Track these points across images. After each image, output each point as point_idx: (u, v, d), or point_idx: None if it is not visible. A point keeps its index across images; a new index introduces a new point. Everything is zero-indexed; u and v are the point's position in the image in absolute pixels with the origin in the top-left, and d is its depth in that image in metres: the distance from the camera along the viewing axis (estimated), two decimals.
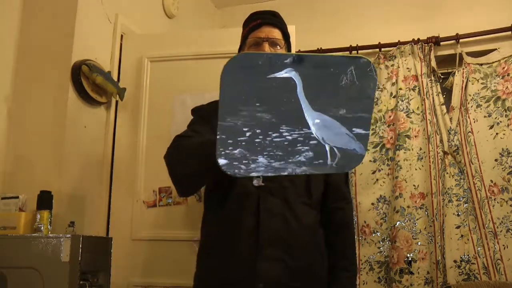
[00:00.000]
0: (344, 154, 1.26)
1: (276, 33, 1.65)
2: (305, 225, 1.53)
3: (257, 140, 1.24)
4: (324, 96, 1.24)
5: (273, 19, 1.67)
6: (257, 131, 1.24)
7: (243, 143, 1.23)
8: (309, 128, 1.24)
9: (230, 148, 1.23)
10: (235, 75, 1.23)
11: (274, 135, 1.25)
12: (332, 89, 1.23)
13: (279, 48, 1.64)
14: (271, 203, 1.51)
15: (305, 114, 1.24)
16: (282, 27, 1.68)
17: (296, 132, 1.25)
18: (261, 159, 1.26)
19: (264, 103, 1.25)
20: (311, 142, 1.25)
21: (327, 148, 1.26)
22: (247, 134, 1.24)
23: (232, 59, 1.20)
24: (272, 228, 1.49)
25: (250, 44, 1.65)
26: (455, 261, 2.40)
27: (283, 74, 1.23)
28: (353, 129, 1.25)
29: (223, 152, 1.24)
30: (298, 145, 1.25)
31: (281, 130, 1.24)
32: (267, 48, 1.60)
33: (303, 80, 1.23)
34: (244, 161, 1.26)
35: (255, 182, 1.51)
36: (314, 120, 1.25)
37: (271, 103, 1.25)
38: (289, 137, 1.25)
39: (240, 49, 1.71)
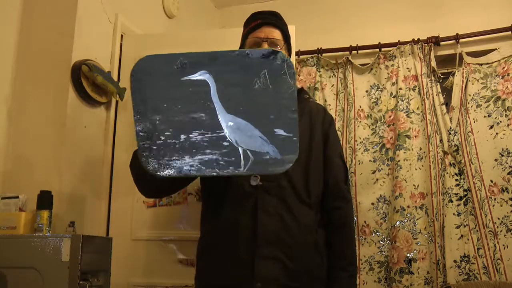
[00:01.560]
0: (257, 157, 1.27)
1: (276, 34, 1.65)
2: (303, 225, 1.53)
3: (169, 142, 1.28)
4: (238, 98, 1.26)
5: (273, 19, 1.68)
6: (168, 134, 1.28)
7: (155, 148, 1.28)
8: (222, 130, 1.26)
9: (147, 152, 1.28)
10: (144, 79, 1.27)
11: (184, 137, 1.27)
12: (245, 92, 1.25)
13: (278, 48, 1.64)
14: (269, 203, 1.51)
15: (219, 117, 1.25)
16: (282, 27, 1.68)
17: (208, 135, 1.27)
18: (174, 161, 1.29)
19: (177, 105, 1.27)
20: (224, 144, 1.27)
21: (240, 150, 1.27)
22: (161, 138, 1.28)
23: (136, 65, 1.24)
24: (269, 228, 1.49)
25: (249, 44, 1.65)
26: (455, 261, 2.40)
27: (196, 76, 1.25)
28: (275, 130, 1.26)
29: (143, 157, 1.29)
30: (211, 147, 1.27)
31: (193, 134, 1.27)
32: (266, 48, 1.60)
33: (217, 82, 1.24)
34: (160, 164, 1.30)
35: (252, 182, 1.52)
36: (227, 122, 1.26)
37: (184, 105, 1.27)
38: (202, 139, 1.27)
39: (240, 49, 1.71)
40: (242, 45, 1.70)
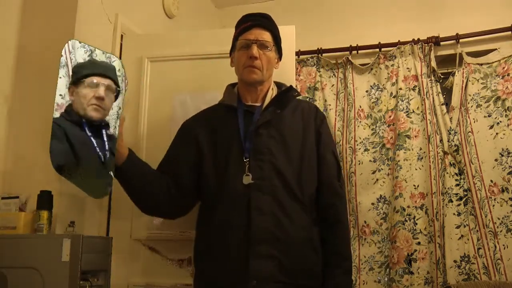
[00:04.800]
0: None
1: (266, 36, 1.66)
2: (297, 223, 1.54)
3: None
4: None
5: (263, 21, 1.68)
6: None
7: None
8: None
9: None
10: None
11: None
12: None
13: (268, 50, 1.64)
14: (261, 201, 1.52)
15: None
16: (272, 29, 1.69)
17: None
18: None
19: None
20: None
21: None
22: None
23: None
24: (262, 226, 1.50)
25: (239, 45, 1.66)
26: (455, 261, 2.40)
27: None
28: None
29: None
30: None
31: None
32: (255, 50, 1.61)
33: None
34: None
35: (244, 180, 1.52)
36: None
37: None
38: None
39: (231, 50, 1.72)
40: (233, 47, 1.71)
